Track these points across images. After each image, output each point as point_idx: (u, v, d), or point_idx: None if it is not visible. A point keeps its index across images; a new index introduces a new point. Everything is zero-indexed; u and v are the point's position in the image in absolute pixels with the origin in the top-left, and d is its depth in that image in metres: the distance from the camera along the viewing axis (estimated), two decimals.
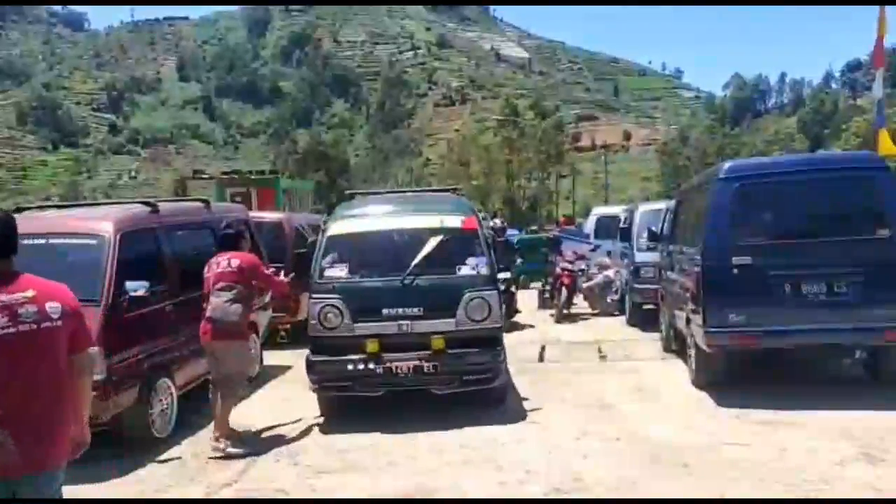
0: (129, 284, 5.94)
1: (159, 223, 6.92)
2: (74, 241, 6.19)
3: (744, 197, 6.84)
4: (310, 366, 6.43)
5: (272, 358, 9.21)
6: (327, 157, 61.58)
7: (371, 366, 6.25)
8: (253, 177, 21.56)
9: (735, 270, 6.64)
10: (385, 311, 6.30)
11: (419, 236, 6.65)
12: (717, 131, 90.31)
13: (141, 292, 6.01)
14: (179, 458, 5.93)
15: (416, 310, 6.28)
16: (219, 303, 5.97)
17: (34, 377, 2.74)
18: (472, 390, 6.45)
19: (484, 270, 6.51)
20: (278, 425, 6.65)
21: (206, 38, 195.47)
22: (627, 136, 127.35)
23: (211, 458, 5.82)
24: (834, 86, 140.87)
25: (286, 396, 7.75)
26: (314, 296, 6.45)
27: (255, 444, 6.14)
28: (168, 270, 6.77)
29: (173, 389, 6.49)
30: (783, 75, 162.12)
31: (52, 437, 2.79)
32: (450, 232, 6.69)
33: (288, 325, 10.28)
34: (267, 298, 9.02)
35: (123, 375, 5.80)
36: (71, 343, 2.86)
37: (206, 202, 8.48)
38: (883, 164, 7.26)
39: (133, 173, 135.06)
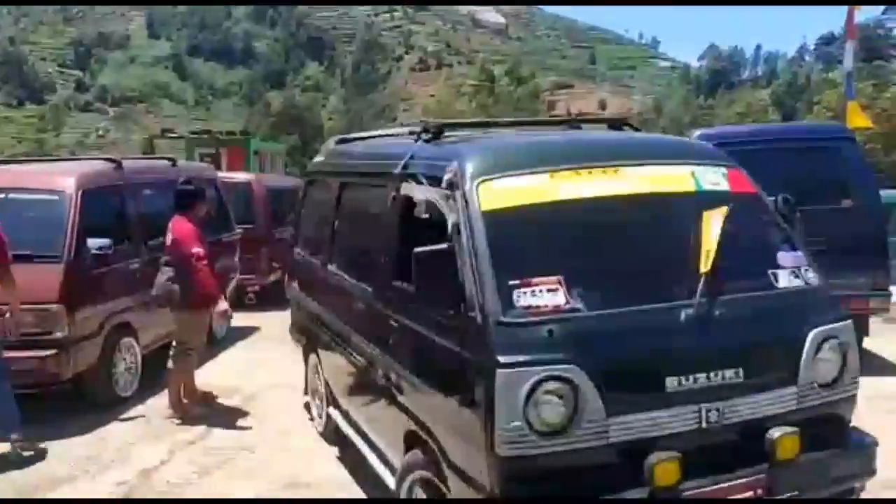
0: (91, 241, 5.86)
1: (123, 180, 6.80)
2: (35, 196, 6.08)
3: None
4: None
5: (240, 319, 9.12)
6: (301, 120, 60.74)
7: None
8: (223, 137, 21.31)
9: None
10: (671, 382, 2.85)
11: (674, 211, 3.45)
12: (692, 102, 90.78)
13: (104, 250, 5.94)
14: (144, 416, 5.92)
15: (730, 374, 2.93)
16: (160, 280, 5.75)
17: None
18: None
19: (812, 278, 3.38)
20: (244, 385, 6.63)
21: None
22: (603, 106, 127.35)
23: (167, 418, 5.80)
24: (808, 59, 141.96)
25: (253, 357, 7.77)
26: (505, 360, 2.71)
27: (218, 404, 6.14)
28: (133, 228, 6.67)
29: (137, 349, 6.44)
30: (758, 47, 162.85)
31: None
32: (720, 200, 3.34)
33: (256, 287, 10.26)
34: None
35: (85, 333, 5.74)
36: None
37: (173, 160, 8.35)
38: (850, 136, 7.35)
39: (101, 132, 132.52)
